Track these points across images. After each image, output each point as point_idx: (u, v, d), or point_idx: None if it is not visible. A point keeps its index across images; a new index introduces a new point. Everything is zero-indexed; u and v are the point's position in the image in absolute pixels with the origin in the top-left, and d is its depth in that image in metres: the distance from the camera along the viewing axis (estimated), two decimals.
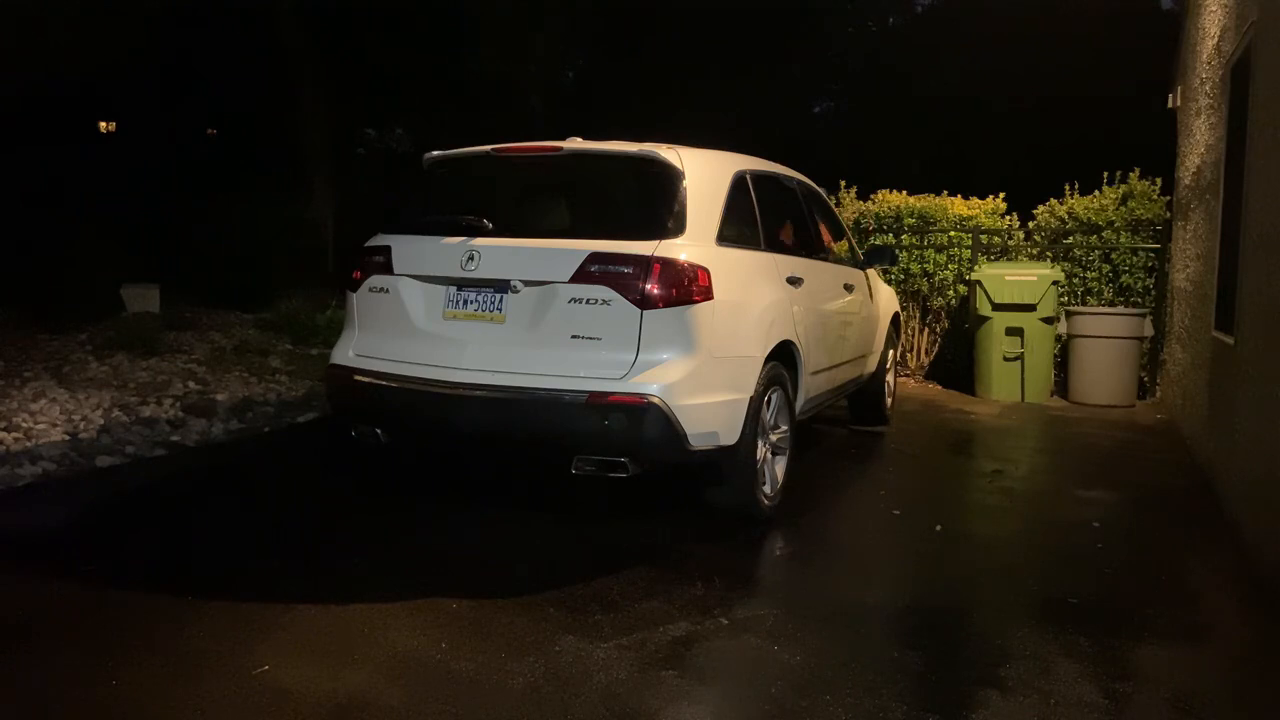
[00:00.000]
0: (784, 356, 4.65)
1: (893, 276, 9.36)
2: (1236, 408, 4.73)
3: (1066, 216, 9.19)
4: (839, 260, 6.10)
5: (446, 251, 4.17)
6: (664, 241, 3.92)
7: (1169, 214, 8.70)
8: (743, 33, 19.92)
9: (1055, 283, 8.21)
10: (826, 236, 6.03)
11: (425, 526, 4.40)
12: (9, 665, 2.94)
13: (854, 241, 6.94)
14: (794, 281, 4.87)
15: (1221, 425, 5.21)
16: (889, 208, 9.78)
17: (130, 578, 3.64)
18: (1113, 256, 8.99)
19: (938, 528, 4.55)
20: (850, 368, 6.00)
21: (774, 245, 4.83)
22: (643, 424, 3.72)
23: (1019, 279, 8.24)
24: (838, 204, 9.88)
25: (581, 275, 3.86)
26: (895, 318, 7.27)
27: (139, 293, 10.12)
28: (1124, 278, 8.94)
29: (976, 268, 8.83)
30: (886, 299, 7.09)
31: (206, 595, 3.44)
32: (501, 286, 4.05)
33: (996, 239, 9.45)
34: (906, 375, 9.58)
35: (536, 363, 3.90)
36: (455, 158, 4.72)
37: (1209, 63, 6.50)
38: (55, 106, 12.81)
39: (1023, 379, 8.40)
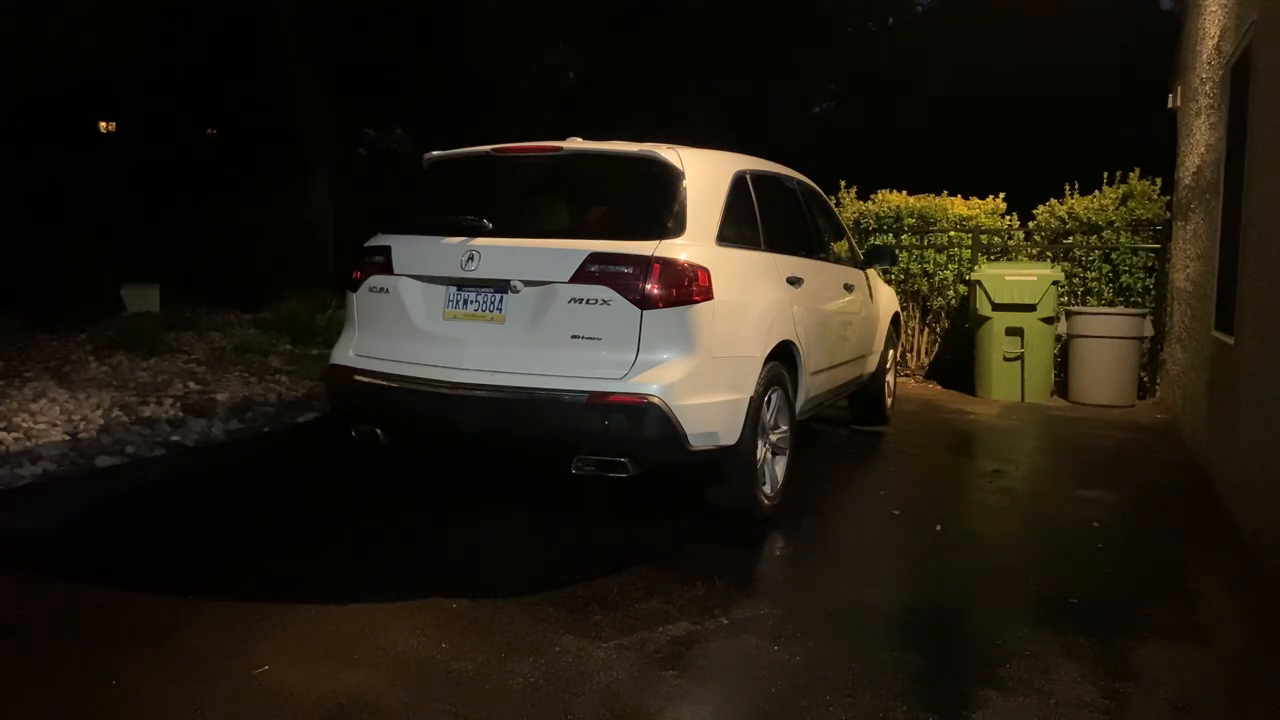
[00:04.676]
0: (784, 356, 4.65)
1: (893, 276, 9.36)
2: (1236, 408, 4.73)
3: (1066, 216, 9.19)
4: (839, 260, 6.10)
5: (446, 251, 4.17)
6: (664, 242, 3.92)
7: (1169, 214, 8.70)
8: (743, 33, 19.92)
9: (1055, 283, 8.21)
10: (826, 236, 6.03)
11: (425, 526, 4.39)
12: (8, 665, 2.94)
13: (854, 241, 6.94)
14: (794, 281, 4.87)
15: (1221, 425, 5.21)
16: (889, 208, 9.78)
17: (130, 578, 3.63)
18: (1113, 256, 8.99)
19: (938, 528, 4.55)
20: (850, 368, 6.00)
21: (774, 245, 4.83)
22: (643, 424, 3.72)
23: (1019, 279, 8.24)
24: (838, 204, 9.88)
25: (581, 275, 3.86)
26: (895, 318, 7.27)
27: (139, 293, 10.12)
28: (1124, 278, 8.94)
29: (976, 268, 8.83)
30: (886, 299, 7.09)
31: (206, 595, 3.44)
32: (501, 286, 4.05)
33: (996, 239, 9.45)
34: (906, 375, 9.58)
35: (536, 363, 3.90)
36: (455, 158, 4.72)
37: (1209, 63, 6.50)
38: (55, 106, 12.80)
39: (1023, 379, 8.40)
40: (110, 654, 2.98)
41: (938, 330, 9.70)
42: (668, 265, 3.84)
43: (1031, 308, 8.22)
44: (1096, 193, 9.25)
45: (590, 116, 16.88)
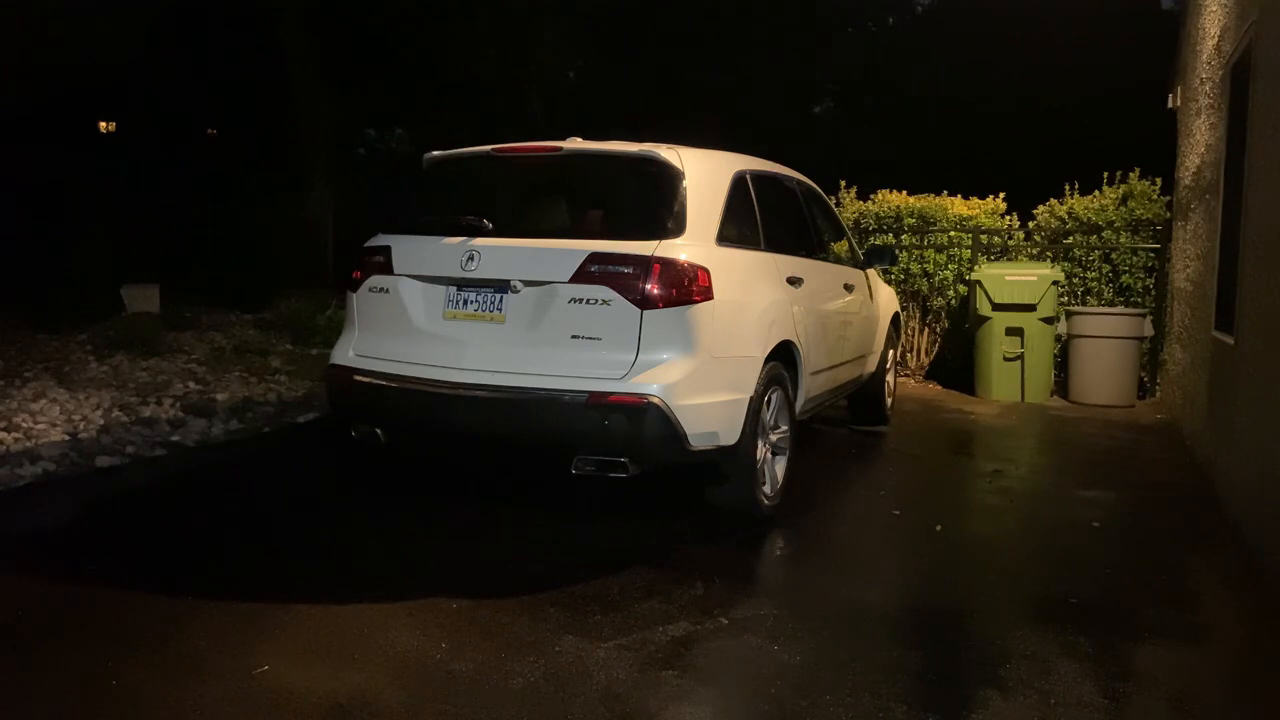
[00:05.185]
0: (784, 356, 4.65)
1: (893, 276, 9.35)
2: (1236, 408, 4.73)
3: (1066, 216, 9.19)
4: (839, 260, 6.10)
5: (446, 251, 4.18)
6: (664, 242, 3.92)
7: (1169, 214, 8.70)
8: (743, 33, 19.92)
9: (1055, 283, 8.21)
10: (826, 236, 6.03)
11: (425, 526, 4.39)
12: (8, 665, 2.94)
13: (854, 241, 6.94)
14: (794, 281, 4.87)
15: (1221, 425, 5.21)
16: (889, 208, 9.78)
17: (130, 578, 3.64)
18: (1113, 256, 8.99)
19: (938, 528, 4.55)
20: (850, 368, 6.00)
21: (774, 245, 4.83)
22: (643, 424, 3.72)
23: (1019, 279, 8.24)
24: (838, 204, 9.88)
25: (581, 275, 3.86)
26: (895, 318, 7.27)
27: (139, 293, 10.12)
28: (1124, 278, 8.94)
29: (976, 268, 8.83)
30: (886, 299, 7.09)
31: (206, 595, 3.44)
32: (501, 286, 4.05)
33: (996, 239, 9.45)
34: (906, 375, 9.58)
35: (536, 363, 3.90)
36: (455, 158, 4.72)
37: (1209, 63, 6.50)
38: (55, 106, 12.80)
39: (1023, 379, 8.40)
40: (110, 654, 2.98)
41: (938, 330, 9.70)
42: (668, 265, 3.84)
43: (1031, 308, 8.22)
44: (1096, 193, 9.24)
45: (590, 116, 16.87)
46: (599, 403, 3.74)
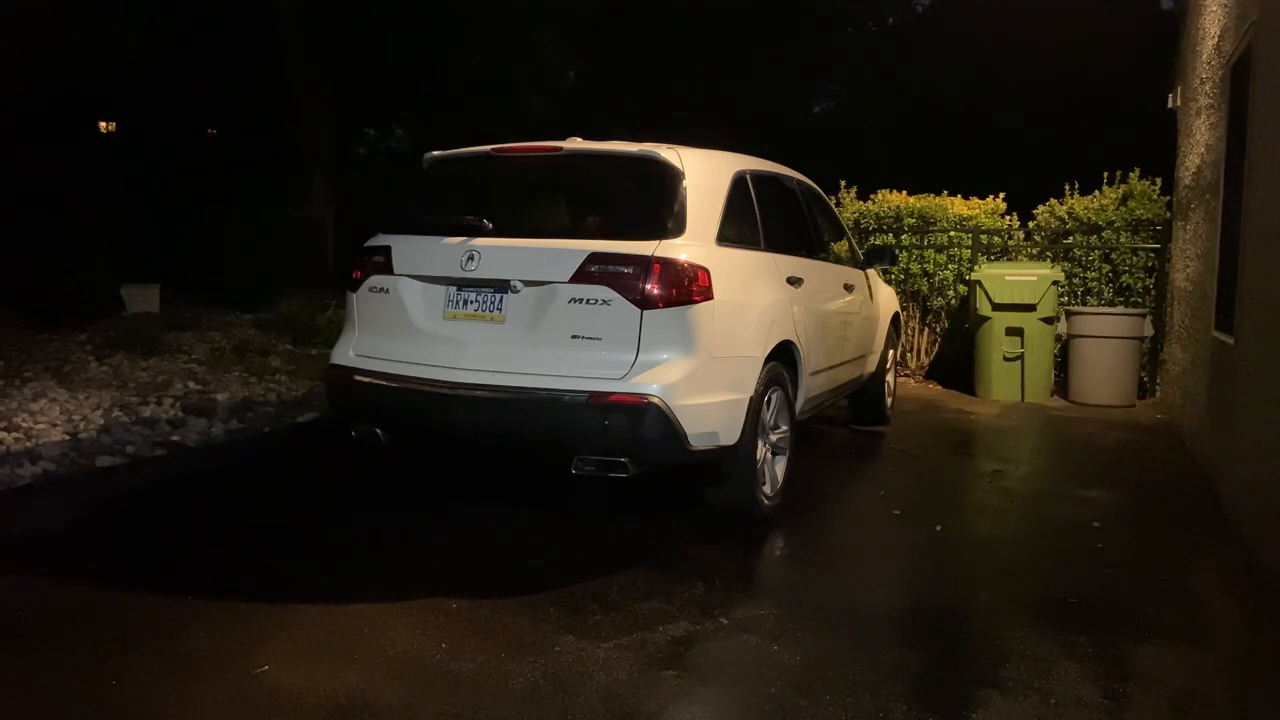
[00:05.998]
0: (784, 356, 4.65)
1: (893, 276, 9.36)
2: (1236, 408, 4.73)
3: (1066, 216, 9.19)
4: (839, 260, 6.10)
5: (446, 251, 4.18)
6: (664, 242, 3.92)
7: (1169, 214, 8.71)
8: (743, 33, 19.93)
9: (1055, 283, 8.22)
10: (826, 236, 6.03)
11: (425, 526, 4.39)
12: (9, 665, 2.94)
13: (854, 241, 6.94)
14: (794, 281, 4.87)
15: (1221, 425, 5.21)
16: (889, 208, 9.78)
17: (130, 578, 3.64)
18: (1113, 256, 8.99)
19: (938, 528, 4.55)
20: (850, 368, 6.00)
21: (774, 245, 4.83)
22: (643, 424, 3.72)
23: (1019, 279, 8.24)
24: (838, 204, 9.88)
25: (581, 275, 3.86)
26: (895, 318, 7.27)
27: (139, 293, 10.13)
28: (1124, 278, 8.94)
29: (976, 268, 8.84)
30: (886, 299, 7.09)
31: (206, 595, 3.44)
32: (501, 286, 4.05)
33: (996, 239, 9.45)
34: (906, 375, 9.58)
35: (536, 363, 3.90)
36: (455, 158, 4.72)
37: (1209, 63, 6.50)
38: (55, 106, 12.80)
39: (1023, 379, 8.40)
40: (110, 654, 2.98)
41: (938, 330, 9.70)
42: (668, 265, 3.84)
43: (1031, 308, 8.23)
44: (1096, 193, 9.25)
45: (590, 116, 16.88)
46: (599, 403, 3.74)
